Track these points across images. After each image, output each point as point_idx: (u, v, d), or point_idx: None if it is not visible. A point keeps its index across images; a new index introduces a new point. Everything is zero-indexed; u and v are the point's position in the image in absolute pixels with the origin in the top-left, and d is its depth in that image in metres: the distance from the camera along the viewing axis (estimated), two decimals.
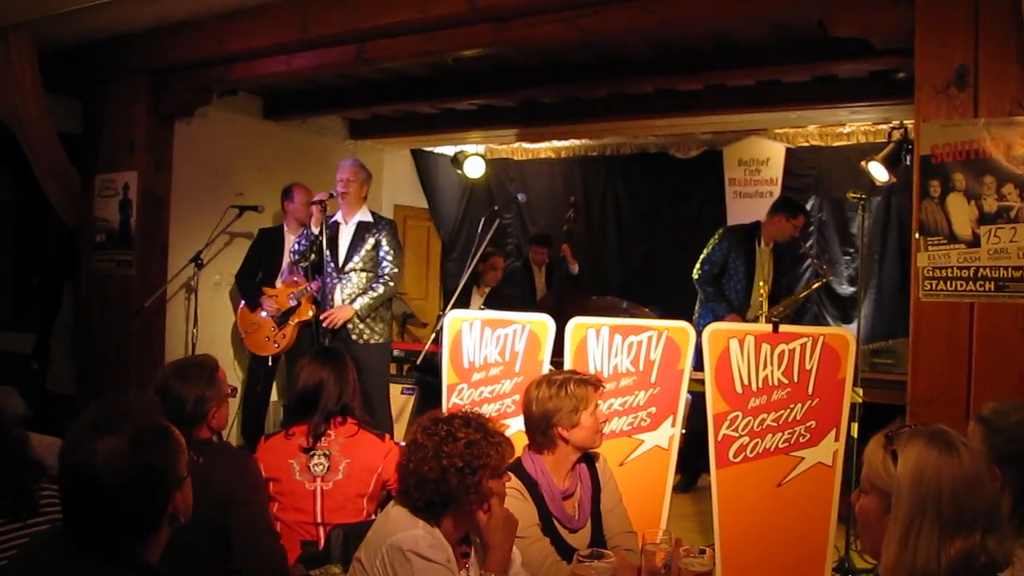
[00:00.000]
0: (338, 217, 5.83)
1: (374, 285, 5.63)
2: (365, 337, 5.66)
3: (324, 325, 5.57)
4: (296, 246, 5.89)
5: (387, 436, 3.58)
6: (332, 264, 5.72)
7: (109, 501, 1.75)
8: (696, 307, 6.24)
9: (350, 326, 5.62)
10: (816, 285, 6.29)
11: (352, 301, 5.60)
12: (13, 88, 5.65)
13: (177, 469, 1.86)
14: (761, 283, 5.92)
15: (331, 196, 5.69)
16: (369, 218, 5.80)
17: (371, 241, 5.70)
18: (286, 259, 6.41)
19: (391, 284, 5.68)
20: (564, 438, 3.10)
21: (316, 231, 5.66)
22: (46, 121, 5.87)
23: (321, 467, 3.35)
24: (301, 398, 3.48)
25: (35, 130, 5.85)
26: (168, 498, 1.83)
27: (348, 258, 5.70)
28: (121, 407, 1.88)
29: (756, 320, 5.83)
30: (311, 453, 3.36)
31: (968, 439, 1.93)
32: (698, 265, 6.18)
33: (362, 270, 5.68)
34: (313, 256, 5.77)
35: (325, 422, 3.42)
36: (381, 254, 5.70)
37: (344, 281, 5.69)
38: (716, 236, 6.23)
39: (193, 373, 3.04)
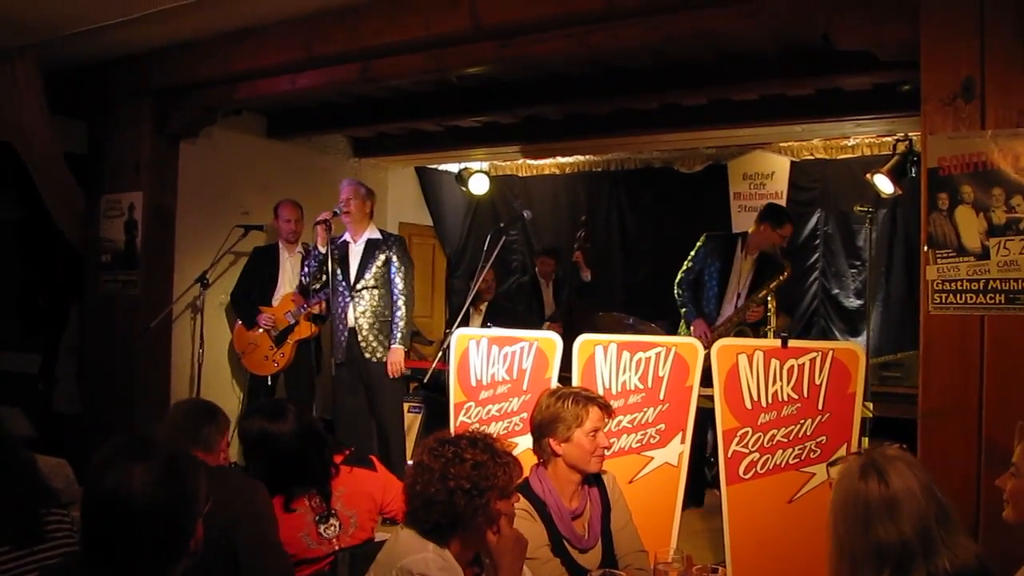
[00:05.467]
0: (347, 236, 5.84)
1: (395, 315, 5.69)
2: (379, 355, 5.67)
3: (392, 376, 5.62)
4: (306, 268, 5.90)
5: (377, 463, 3.46)
6: (344, 283, 5.72)
7: (140, 526, 1.76)
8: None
9: (363, 343, 5.63)
10: (777, 283, 5.86)
11: (392, 341, 5.65)
12: (20, 110, 5.67)
13: (202, 500, 1.87)
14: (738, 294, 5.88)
15: (335, 214, 5.69)
16: (377, 235, 5.83)
17: (381, 258, 5.73)
18: (282, 277, 6.42)
19: (408, 303, 5.73)
20: (555, 451, 3.10)
21: (323, 251, 5.66)
22: (52, 142, 5.89)
23: (333, 529, 3.18)
24: (287, 473, 3.19)
25: (41, 151, 5.87)
26: (194, 527, 1.84)
27: (359, 276, 5.71)
28: (147, 437, 1.94)
29: (726, 330, 5.81)
30: (317, 520, 3.17)
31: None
32: (681, 270, 6.16)
33: (373, 287, 5.70)
34: (324, 277, 5.75)
35: (326, 478, 3.23)
36: (392, 271, 5.72)
37: (356, 299, 5.69)
38: (699, 242, 6.18)
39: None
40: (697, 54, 5.27)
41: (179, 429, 3.07)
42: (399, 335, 5.66)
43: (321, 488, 3.21)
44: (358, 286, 5.70)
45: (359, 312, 5.68)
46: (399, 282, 5.72)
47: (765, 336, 5.62)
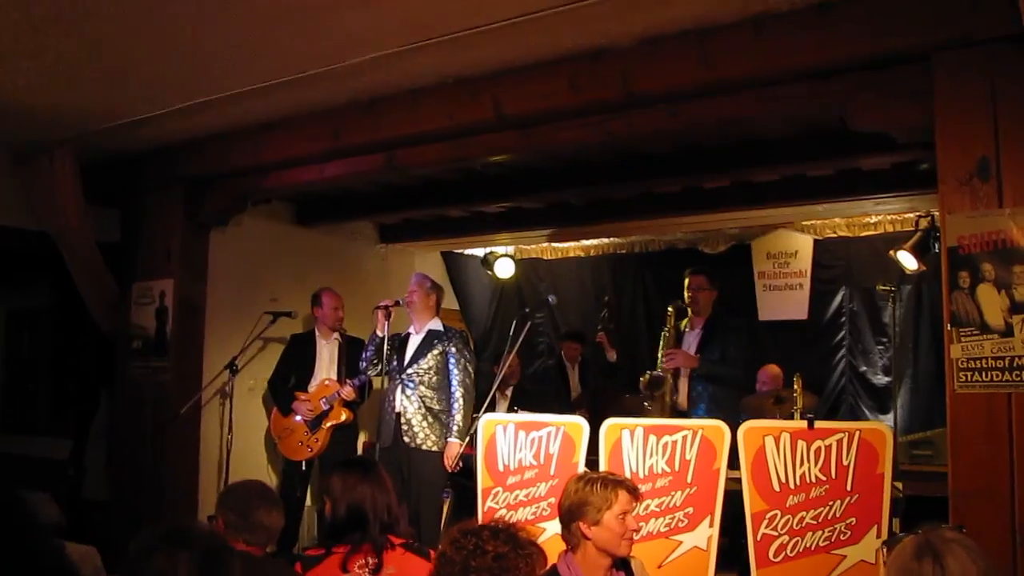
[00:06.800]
0: (410, 328, 5.95)
1: (452, 407, 5.65)
2: (418, 441, 5.63)
3: (450, 470, 5.59)
4: (365, 353, 5.99)
5: (432, 554, 3.43)
6: (396, 366, 5.77)
7: None
8: None
9: (404, 426, 5.64)
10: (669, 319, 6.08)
11: (448, 434, 5.60)
12: (57, 201, 5.84)
13: None
14: None
15: (397, 303, 5.81)
16: (439, 327, 5.88)
17: (439, 348, 5.76)
18: (319, 364, 6.46)
19: (467, 397, 5.68)
20: (585, 535, 3.11)
21: (381, 335, 5.74)
22: (86, 232, 6.04)
23: None
24: (348, 518, 3.21)
25: (76, 240, 6.02)
26: None
27: (412, 362, 5.75)
28: (187, 527, 1.92)
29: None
30: None
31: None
32: None
33: (424, 374, 5.71)
34: (380, 365, 5.81)
35: (382, 542, 3.18)
36: (450, 364, 5.74)
37: (405, 383, 5.71)
38: None
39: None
40: (717, 138, 5.35)
41: (239, 511, 3.10)
42: (456, 428, 5.59)
43: (376, 544, 3.17)
44: (409, 370, 5.74)
45: (406, 396, 5.69)
46: (457, 373, 5.71)
47: (791, 417, 5.60)
